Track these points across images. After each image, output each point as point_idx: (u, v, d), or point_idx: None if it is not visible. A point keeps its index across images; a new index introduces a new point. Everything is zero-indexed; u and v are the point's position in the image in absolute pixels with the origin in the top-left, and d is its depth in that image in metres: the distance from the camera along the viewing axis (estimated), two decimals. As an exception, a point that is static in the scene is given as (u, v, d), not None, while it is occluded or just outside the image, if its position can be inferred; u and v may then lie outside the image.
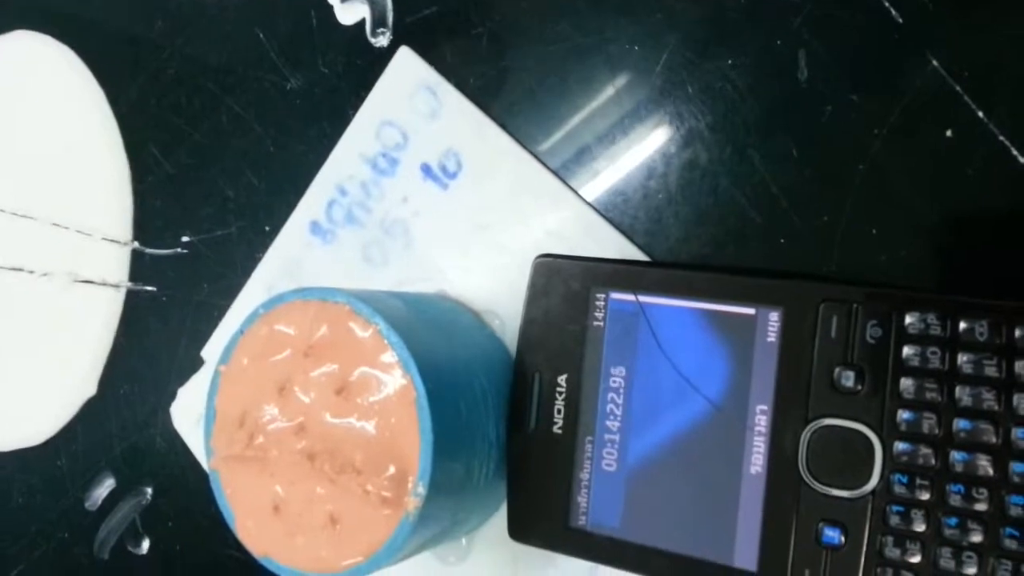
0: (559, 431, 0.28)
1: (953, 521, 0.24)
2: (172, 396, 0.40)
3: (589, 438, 0.28)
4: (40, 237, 0.43)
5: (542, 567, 0.31)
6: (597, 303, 0.28)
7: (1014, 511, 0.23)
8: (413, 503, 0.25)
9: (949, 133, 0.26)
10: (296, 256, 0.36)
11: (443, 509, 0.27)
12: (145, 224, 0.41)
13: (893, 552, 0.24)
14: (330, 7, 0.36)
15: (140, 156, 0.41)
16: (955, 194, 0.26)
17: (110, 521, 0.42)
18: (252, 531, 0.28)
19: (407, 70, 0.34)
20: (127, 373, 0.41)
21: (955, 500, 0.24)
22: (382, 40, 0.35)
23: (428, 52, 0.34)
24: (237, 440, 0.28)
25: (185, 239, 0.40)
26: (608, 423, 0.28)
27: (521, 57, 0.32)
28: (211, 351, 0.38)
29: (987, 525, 0.23)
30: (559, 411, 0.28)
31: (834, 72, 0.27)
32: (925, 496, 0.24)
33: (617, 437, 0.28)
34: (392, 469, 0.26)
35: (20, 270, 0.44)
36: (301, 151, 0.37)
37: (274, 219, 0.37)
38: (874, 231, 0.27)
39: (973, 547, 0.23)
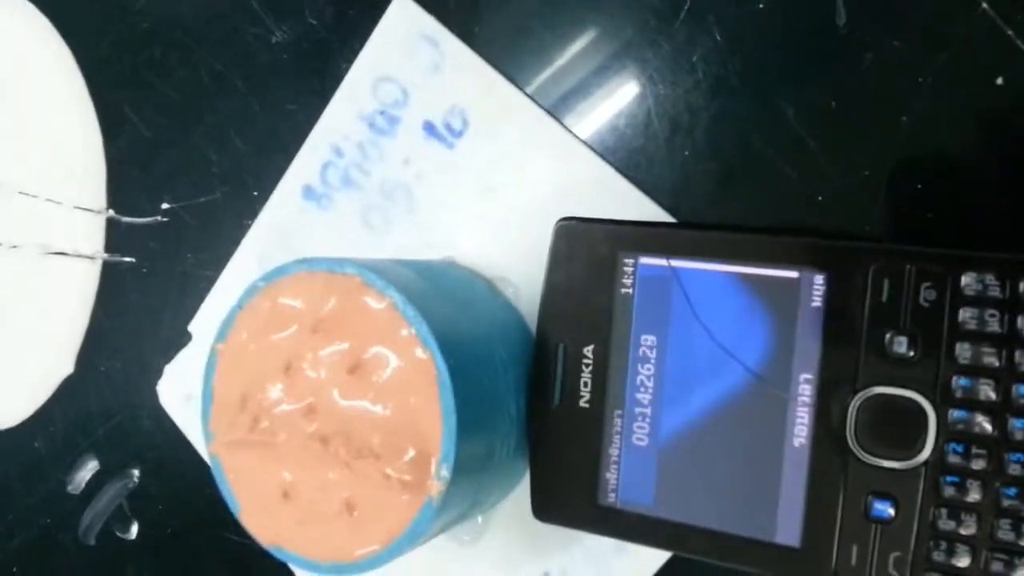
0: (585, 405, 0.27)
1: (1011, 491, 0.22)
2: (157, 373, 0.37)
3: (618, 412, 0.26)
4: (6, 207, 0.40)
5: (564, 545, 0.30)
6: (625, 269, 0.26)
7: (1075, 480, 0.22)
8: (436, 487, 0.24)
9: (1000, 81, 0.24)
10: (289, 223, 0.34)
11: (465, 491, 0.25)
12: (120, 191, 0.38)
13: (947, 524, 0.23)
14: (317, -48, 0.33)
15: (112, 118, 0.38)
16: (1007, 147, 0.24)
17: (95, 505, 0.39)
18: (259, 519, 0.26)
19: (405, 20, 0.31)
20: (107, 350, 0.39)
21: (1014, 469, 0.22)
22: (376, -13, 0.32)
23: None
24: (240, 424, 0.26)
25: (165, 206, 0.37)
26: (639, 396, 0.26)
27: (529, 3, 0.30)
28: (199, 325, 0.36)
29: (1047, 494, 0.22)
30: (585, 384, 0.27)
31: (875, 16, 0.25)
32: (981, 465, 0.23)
33: (648, 410, 0.26)
34: (412, 452, 0.24)
35: (-15, 242, 0.41)
36: (290, 110, 0.34)
37: (263, 184, 0.35)
38: (919, 187, 0.25)
39: (1032, 518, 0.22)
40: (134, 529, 0.39)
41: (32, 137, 0.40)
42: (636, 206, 0.28)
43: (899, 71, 0.25)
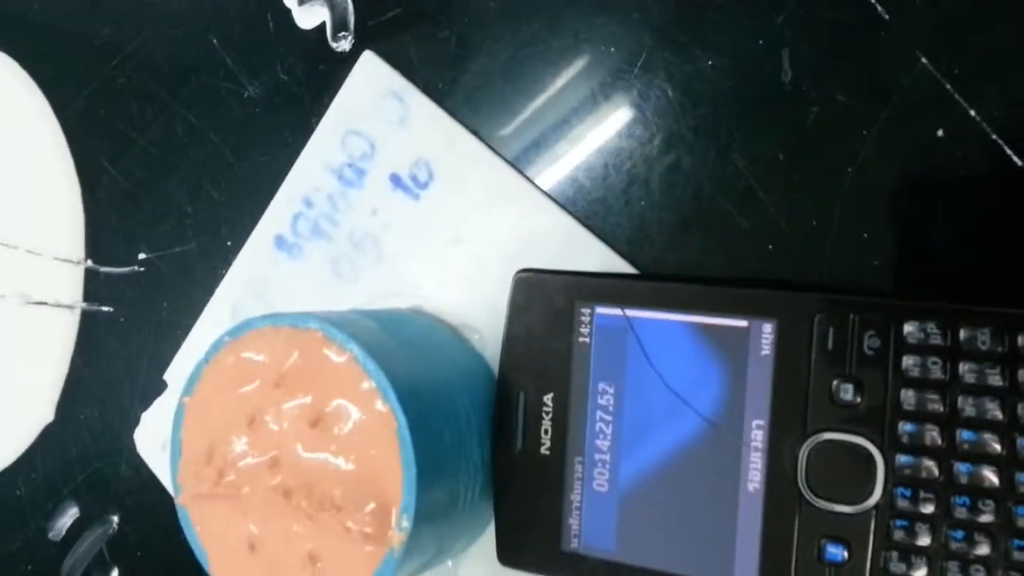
0: (547, 452, 0.27)
1: (959, 534, 0.23)
2: (135, 421, 0.38)
3: (579, 458, 0.27)
4: (-13, 258, 0.41)
5: (532, 590, 0.30)
6: (582, 318, 0.27)
7: (1021, 522, 0.22)
8: (398, 538, 0.24)
9: (940, 133, 0.25)
10: (261, 272, 0.35)
11: (428, 540, 0.26)
12: (99, 241, 0.39)
13: (898, 567, 0.23)
14: (287, 10, 0.34)
15: (90, 170, 0.39)
16: (948, 196, 0.25)
17: (76, 551, 0.40)
18: (228, 571, 0.27)
19: (371, 76, 0.32)
20: (86, 398, 0.39)
21: (960, 512, 0.23)
22: (344, 44, 0.33)
23: (393, 56, 0.32)
24: (206, 477, 0.26)
25: (142, 256, 0.38)
26: (598, 442, 0.27)
27: (492, 60, 0.31)
28: (174, 374, 0.37)
29: (994, 537, 0.23)
30: (546, 431, 0.27)
31: (819, 72, 0.26)
32: (929, 509, 0.23)
33: (608, 457, 0.27)
34: (372, 504, 0.24)
35: (-33, 293, 0.41)
36: (262, 162, 0.35)
37: (236, 234, 0.35)
38: (865, 235, 0.26)
39: (980, 560, 0.23)
40: (114, 575, 0.39)
41: (12, 189, 0.41)
42: (596, 255, 0.29)
43: (844, 124, 0.26)
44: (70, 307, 0.40)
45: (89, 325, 0.39)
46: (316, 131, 0.33)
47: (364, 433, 0.25)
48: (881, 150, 0.26)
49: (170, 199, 0.37)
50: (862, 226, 0.26)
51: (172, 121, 0.37)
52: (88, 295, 0.39)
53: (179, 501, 0.27)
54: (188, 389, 0.27)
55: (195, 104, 0.36)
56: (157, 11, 0.37)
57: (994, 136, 0.25)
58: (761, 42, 0.27)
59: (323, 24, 0.33)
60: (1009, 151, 0.24)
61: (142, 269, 0.38)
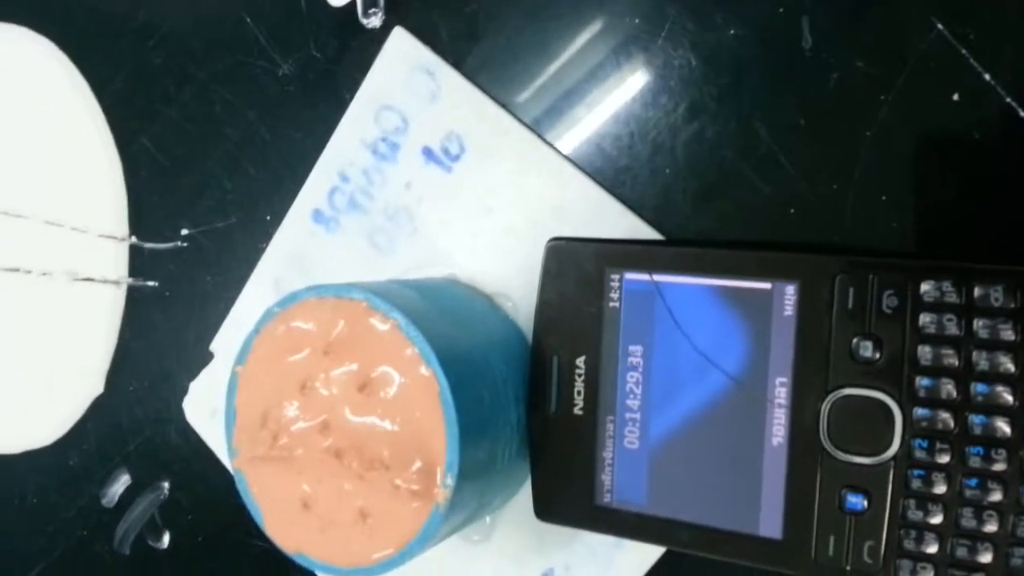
0: (580, 412, 0.29)
1: (973, 482, 0.24)
2: (183, 391, 0.40)
3: (610, 417, 0.28)
4: (34, 236, 0.42)
5: (567, 542, 0.32)
6: (612, 284, 0.28)
7: (1033, 469, 0.24)
8: (442, 494, 0.26)
9: (956, 97, 0.26)
10: (300, 245, 0.36)
11: (470, 496, 0.27)
12: (142, 218, 0.40)
13: (916, 514, 0.25)
14: (318, -10, 0.35)
15: (131, 149, 0.40)
16: (964, 158, 0.26)
17: (128, 517, 0.42)
18: (282, 528, 0.28)
19: (402, 52, 0.33)
20: (135, 370, 0.41)
21: (974, 462, 0.24)
22: (375, 21, 0.34)
23: (422, 31, 0.33)
24: (260, 441, 0.28)
25: (184, 232, 0.39)
26: (628, 402, 0.28)
27: (518, 33, 0.32)
28: (220, 344, 0.38)
29: (1006, 484, 0.24)
30: (579, 392, 0.29)
31: (838, 39, 0.27)
32: (945, 459, 0.24)
33: (638, 415, 0.28)
34: (419, 463, 0.26)
35: (17, 270, 0.43)
36: (298, 138, 0.36)
37: (275, 208, 0.37)
38: (884, 198, 0.27)
39: (993, 506, 0.24)
40: (166, 538, 0.41)
41: (57, 169, 0.42)
42: (623, 222, 0.30)
43: (862, 90, 0.27)
44: (116, 283, 0.41)
45: (135, 300, 0.41)
46: (350, 107, 0.34)
47: (408, 396, 0.26)
48: (899, 115, 0.26)
49: (210, 176, 0.38)
50: (881, 189, 0.27)
51: (209, 99, 0.38)
52: (133, 270, 0.41)
53: (235, 464, 0.29)
54: (240, 359, 0.29)
55: (231, 83, 0.38)
56: (191, -7, 0.38)
57: (1008, 99, 0.25)
58: (781, 10, 0.28)
59: (354, 1, 0.34)
60: (1023, 114, 0.25)
61: (185, 244, 0.39)
